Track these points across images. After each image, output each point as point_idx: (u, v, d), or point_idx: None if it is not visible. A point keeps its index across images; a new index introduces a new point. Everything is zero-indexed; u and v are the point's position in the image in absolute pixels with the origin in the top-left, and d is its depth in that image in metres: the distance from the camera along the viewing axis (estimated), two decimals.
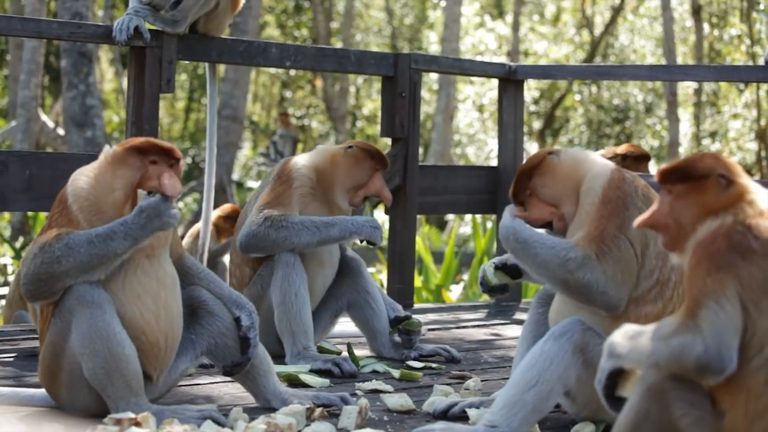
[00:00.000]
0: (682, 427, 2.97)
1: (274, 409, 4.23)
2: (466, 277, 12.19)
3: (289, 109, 34.14)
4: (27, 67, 16.47)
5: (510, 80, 8.03)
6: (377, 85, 31.49)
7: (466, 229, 19.78)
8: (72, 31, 6.23)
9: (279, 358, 5.17)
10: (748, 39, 22.00)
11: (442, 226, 22.65)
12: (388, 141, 7.65)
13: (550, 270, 3.95)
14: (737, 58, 23.06)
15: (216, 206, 8.69)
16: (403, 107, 7.39)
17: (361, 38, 34.55)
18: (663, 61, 24.23)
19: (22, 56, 17.26)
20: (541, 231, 4.13)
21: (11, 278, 13.55)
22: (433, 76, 26.29)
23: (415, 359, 5.49)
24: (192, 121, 34.36)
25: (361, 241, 5.49)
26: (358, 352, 5.49)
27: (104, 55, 31.40)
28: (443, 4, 27.50)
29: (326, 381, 4.93)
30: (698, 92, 25.16)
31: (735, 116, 23.66)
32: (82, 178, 4.09)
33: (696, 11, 23.75)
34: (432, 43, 31.61)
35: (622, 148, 7.32)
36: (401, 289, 7.37)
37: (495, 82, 8.61)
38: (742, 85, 22.99)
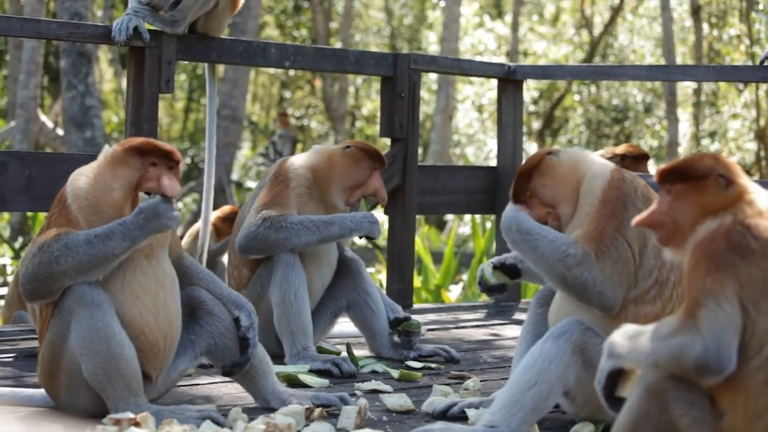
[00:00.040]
0: (681, 427, 2.97)
1: (273, 410, 4.23)
2: (465, 277, 12.19)
3: (288, 109, 34.15)
4: (26, 68, 16.47)
5: (509, 80, 8.03)
6: (376, 85, 31.49)
7: (465, 230, 19.78)
8: (71, 32, 6.23)
9: (278, 358, 5.17)
10: (747, 39, 22.01)
11: (441, 226, 22.65)
12: (388, 141, 7.65)
13: (549, 264, 3.96)
14: (736, 58, 23.07)
15: (215, 206, 8.69)
16: (402, 107, 7.39)
17: (361, 38, 34.55)
18: (662, 61, 24.23)
19: (22, 56, 17.25)
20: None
21: (10, 278, 13.54)
22: (433, 76, 26.29)
23: (414, 359, 5.49)
24: (191, 122, 34.36)
25: (360, 237, 5.49)
26: (357, 353, 5.49)
27: (103, 55, 31.40)
28: (442, 4, 27.50)
29: (325, 381, 4.93)
30: (697, 92, 25.17)
31: (734, 116, 23.67)
32: (82, 178, 4.09)
33: (695, 11, 23.76)
34: (431, 44, 31.60)
35: (621, 148, 7.33)
36: (400, 289, 7.37)
37: (494, 82, 8.62)
38: (741, 85, 23.00)
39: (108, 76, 34.24)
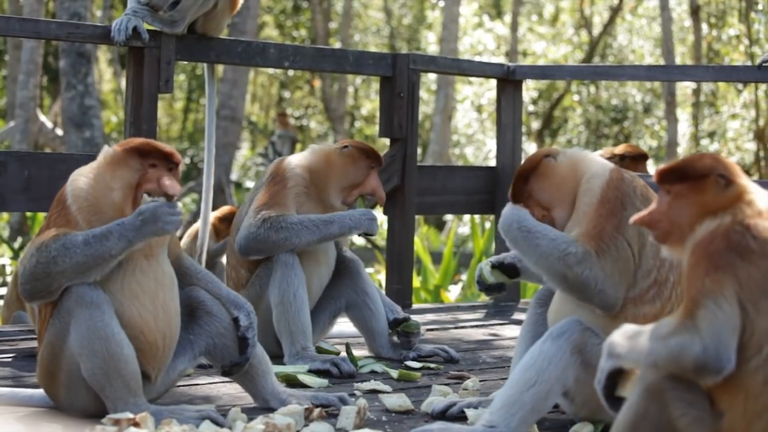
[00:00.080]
0: (680, 427, 2.97)
1: (272, 410, 4.22)
2: (464, 277, 12.19)
3: (287, 109, 34.16)
4: (25, 68, 16.47)
5: (508, 80, 8.03)
6: (376, 85, 31.48)
7: (464, 230, 19.78)
8: (70, 32, 6.23)
9: (277, 358, 5.18)
10: (746, 39, 22.01)
11: (440, 226, 22.66)
12: (387, 141, 7.65)
13: (550, 263, 3.95)
14: (736, 59, 23.07)
15: (215, 206, 8.68)
16: (401, 107, 7.39)
17: (360, 38, 34.56)
18: (661, 62, 24.24)
19: (21, 57, 17.25)
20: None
21: (10, 279, 13.54)
22: (432, 77, 26.29)
23: (413, 359, 5.49)
24: (190, 122, 34.37)
25: (359, 235, 5.50)
26: (356, 353, 5.49)
27: (103, 55, 31.41)
28: (441, 4, 27.51)
29: (325, 381, 4.93)
30: (697, 92, 25.17)
31: (733, 116, 23.67)
32: (81, 178, 4.09)
33: (694, 11, 23.76)
34: (430, 44, 31.61)
35: (620, 148, 7.33)
36: (400, 289, 7.37)
37: (493, 82, 8.63)
38: (740, 85, 23.01)
39: (107, 76, 34.25)
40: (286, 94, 36.19)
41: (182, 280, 4.30)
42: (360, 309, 5.63)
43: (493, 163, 8.46)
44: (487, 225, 12.23)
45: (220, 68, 18.66)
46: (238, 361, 4.28)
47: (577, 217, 4.05)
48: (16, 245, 15.24)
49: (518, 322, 6.81)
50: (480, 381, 4.91)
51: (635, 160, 7.21)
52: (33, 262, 3.92)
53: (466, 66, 9.52)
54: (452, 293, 11.10)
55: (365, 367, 5.29)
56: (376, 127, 10.81)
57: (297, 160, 5.56)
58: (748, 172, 16.15)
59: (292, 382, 4.86)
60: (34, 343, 5.22)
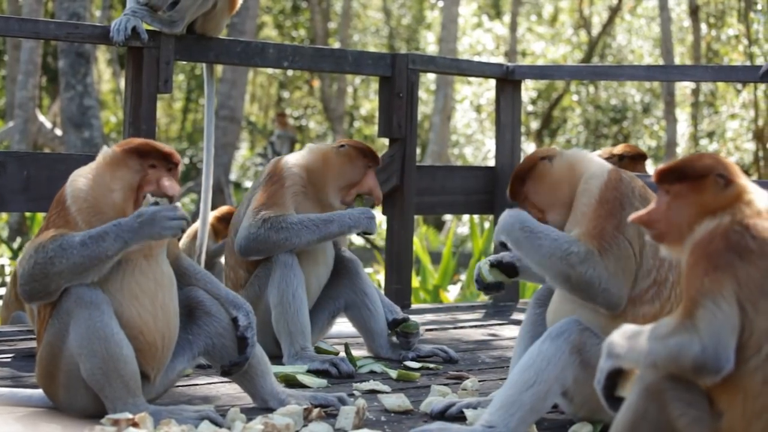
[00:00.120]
0: (679, 427, 2.97)
1: (271, 410, 4.22)
2: (463, 277, 12.18)
3: (286, 109, 34.15)
4: (24, 68, 16.47)
5: (507, 80, 8.03)
6: (375, 85, 31.48)
7: (463, 230, 19.77)
8: (69, 32, 6.23)
9: (276, 358, 5.17)
10: (745, 39, 22.02)
11: (439, 226, 22.65)
12: (386, 141, 7.65)
13: (552, 263, 3.94)
14: (735, 59, 23.08)
15: (214, 207, 8.67)
16: (400, 107, 7.39)
17: (359, 39, 34.57)
18: (660, 62, 24.25)
19: (20, 57, 17.25)
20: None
21: (9, 279, 13.53)
22: (431, 77, 26.30)
23: (412, 360, 5.49)
24: (189, 122, 34.36)
25: (358, 234, 5.51)
26: (355, 353, 5.49)
27: (102, 55, 31.40)
28: (441, 4, 27.52)
29: (324, 381, 4.93)
30: (696, 92, 25.17)
31: (732, 116, 23.68)
32: (81, 179, 4.09)
33: (693, 11, 23.76)
34: (429, 44, 31.61)
35: (618, 149, 7.33)
36: (399, 289, 7.37)
37: (492, 82, 8.62)
38: (739, 86, 23.01)
39: (106, 77, 34.24)
40: (285, 94, 36.19)
41: (181, 281, 4.30)
42: (359, 309, 5.63)
43: (492, 163, 8.46)
44: (486, 225, 12.23)
45: (219, 68, 18.66)
46: (237, 360, 4.28)
47: (575, 218, 4.05)
48: (15, 245, 15.24)
49: (517, 322, 6.81)
50: (479, 381, 4.91)
51: (634, 160, 7.21)
52: (31, 263, 3.92)
53: (465, 66, 9.52)
54: (451, 293, 11.10)
55: (364, 368, 5.29)
56: (375, 127, 10.80)
57: (294, 159, 5.56)
58: (747, 172, 16.15)
59: (291, 382, 4.86)
60: (33, 344, 5.22)
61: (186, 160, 26.78)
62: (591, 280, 3.90)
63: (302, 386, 4.84)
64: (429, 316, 7.19)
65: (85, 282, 3.94)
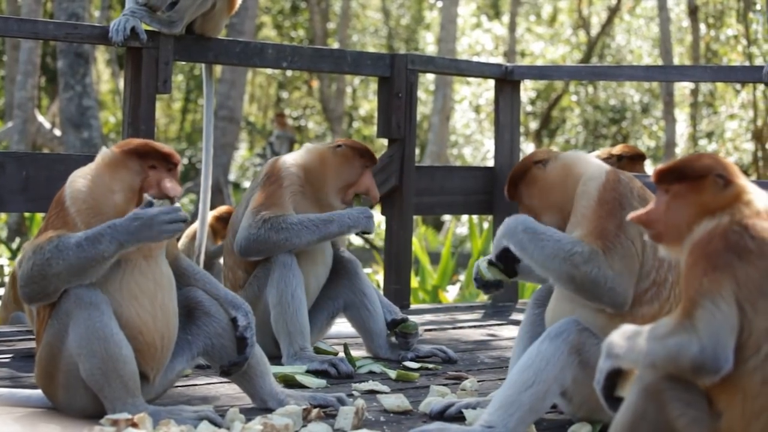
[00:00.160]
0: (678, 427, 2.97)
1: (270, 410, 4.22)
2: (462, 277, 12.18)
3: (285, 109, 34.14)
4: (23, 68, 16.47)
5: (506, 81, 8.03)
6: (374, 85, 31.49)
7: (462, 230, 19.78)
8: (68, 32, 6.23)
9: (275, 359, 5.17)
10: (744, 39, 22.03)
11: (438, 226, 22.66)
12: (385, 142, 7.65)
13: (557, 264, 3.93)
14: (734, 59, 23.09)
15: (213, 207, 8.68)
16: (399, 108, 7.39)
17: (358, 39, 34.57)
18: (659, 62, 24.25)
19: (19, 57, 17.26)
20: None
21: (7, 279, 13.53)
22: (430, 77, 26.31)
23: (411, 360, 5.49)
24: (188, 122, 34.36)
25: (356, 233, 5.52)
26: (354, 353, 5.49)
27: (101, 56, 31.40)
28: (440, 4, 27.52)
29: (323, 382, 4.93)
30: (695, 93, 25.17)
31: (731, 117, 23.68)
32: (80, 180, 4.08)
33: (692, 12, 23.76)
34: (429, 44, 31.61)
35: (617, 149, 7.34)
36: (398, 289, 7.37)
37: (491, 82, 8.64)
38: (738, 86, 23.02)
39: (105, 77, 34.24)
40: (284, 95, 36.19)
41: (180, 281, 4.30)
42: (358, 309, 5.63)
43: (491, 163, 8.48)
44: (485, 225, 12.23)
45: (218, 69, 18.67)
46: (236, 361, 4.28)
47: (576, 220, 4.05)
48: (14, 246, 15.24)
49: (516, 323, 6.81)
50: (478, 381, 4.92)
51: (633, 160, 7.21)
52: (29, 265, 3.92)
53: (464, 66, 9.52)
54: (450, 293, 11.09)
55: (363, 368, 5.29)
56: (374, 128, 10.81)
57: (292, 159, 5.56)
58: (746, 173, 16.16)
59: (290, 382, 4.86)
60: (32, 344, 5.22)
61: (185, 161, 26.77)
62: (596, 279, 3.89)
63: (301, 386, 4.83)
64: (428, 317, 7.19)
65: (84, 283, 3.94)
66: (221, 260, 8.39)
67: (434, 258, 12.87)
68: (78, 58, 13.70)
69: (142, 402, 4.01)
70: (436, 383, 4.94)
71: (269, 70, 33.14)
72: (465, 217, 17.57)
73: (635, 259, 3.94)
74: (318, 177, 5.51)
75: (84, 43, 12.65)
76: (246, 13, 17.32)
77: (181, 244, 8.67)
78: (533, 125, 29.72)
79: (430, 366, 5.40)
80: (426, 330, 6.53)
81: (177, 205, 4.04)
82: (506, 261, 4.27)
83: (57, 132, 17.51)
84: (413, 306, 7.86)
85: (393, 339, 5.63)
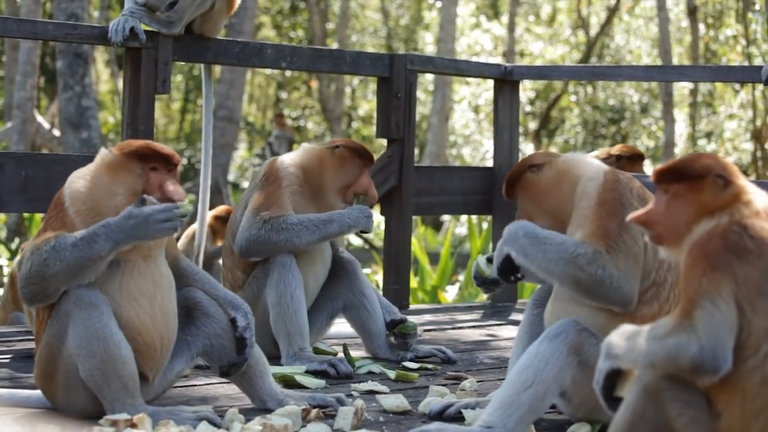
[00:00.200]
0: (677, 428, 2.97)
1: (269, 410, 4.22)
2: (461, 277, 12.19)
3: (284, 110, 34.13)
4: (23, 69, 16.46)
5: (506, 81, 8.03)
6: (373, 86, 31.48)
7: (461, 230, 19.78)
8: (67, 32, 6.23)
9: (275, 359, 5.17)
10: (743, 39, 22.03)
11: (437, 227, 22.65)
12: (384, 142, 7.65)
13: (561, 267, 3.93)
14: (733, 59, 23.09)
15: (212, 207, 8.68)
16: (398, 108, 7.39)
17: (357, 39, 34.55)
18: (658, 62, 24.24)
19: (18, 57, 17.25)
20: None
21: (6, 280, 13.52)
22: (429, 77, 26.30)
23: (410, 360, 5.49)
24: (188, 122, 34.34)
25: (357, 234, 5.53)
26: (353, 353, 5.49)
27: (100, 56, 31.38)
28: (439, 4, 27.52)
29: (322, 382, 4.93)
30: (694, 93, 25.17)
31: (731, 117, 23.68)
32: (80, 181, 4.08)
33: (691, 12, 23.76)
34: (428, 44, 31.59)
35: (616, 149, 7.34)
36: (397, 289, 7.37)
37: (491, 82, 8.64)
38: (737, 86, 23.01)
39: (104, 77, 34.23)
40: (284, 95, 36.17)
41: (179, 281, 4.30)
42: (357, 310, 5.63)
43: (490, 163, 8.47)
44: (485, 225, 12.23)
45: (217, 69, 18.66)
46: (235, 361, 4.28)
47: (576, 222, 4.05)
48: (13, 246, 15.24)
49: (515, 323, 6.81)
50: (477, 381, 4.92)
51: (632, 160, 7.21)
52: (28, 266, 3.92)
53: (464, 66, 9.52)
54: (449, 294, 11.10)
55: (362, 368, 5.29)
56: (374, 128, 10.82)
57: (290, 159, 5.56)
58: (745, 173, 16.16)
59: (289, 382, 4.86)
60: (32, 344, 5.22)
61: (184, 161, 26.74)
62: (602, 279, 3.88)
63: (300, 387, 4.83)
64: (427, 317, 7.19)
65: (82, 283, 3.94)
66: (220, 261, 8.40)
67: (433, 258, 12.88)
68: (77, 58, 13.69)
69: (142, 402, 4.01)
70: (436, 383, 4.94)
71: (268, 71, 33.12)
72: (464, 218, 17.58)
73: (639, 256, 3.94)
74: (316, 177, 5.51)
75: (83, 44, 12.64)
76: (245, 14, 17.31)
77: (180, 244, 8.68)
78: (532, 125, 29.71)
79: (430, 366, 5.40)
80: (425, 330, 6.54)
81: (174, 203, 4.02)
82: (507, 272, 4.24)
83: (56, 132, 17.51)
84: (412, 306, 7.87)
85: (392, 339, 5.64)
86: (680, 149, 24.52)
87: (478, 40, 29.96)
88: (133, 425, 3.71)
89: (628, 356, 3.07)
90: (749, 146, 22.56)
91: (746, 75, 8.27)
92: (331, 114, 30.91)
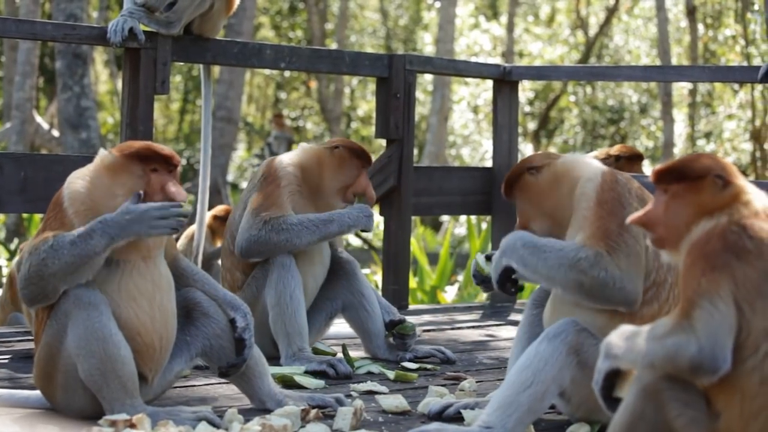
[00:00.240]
0: (677, 428, 2.97)
1: (269, 411, 4.23)
2: (461, 278, 12.19)
3: (283, 110, 34.12)
4: (22, 69, 16.46)
5: (505, 81, 8.03)
6: (372, 86, 31.48)
7: (460, 230, 19.78)
8: (66, 33, 6.22)
9: (274, 359, 5.17)
10: (742, 39, 22.03)
11: (436, 227, 22.65)
12: (383, 142, 7.64)
13: (563, 273, 3.92)
14: (732, 59, 23.08)
15: (210, 208, 8.68)
16: (397, 108, 7.39)
17: (356, 39, 34.54)
18: (657, 62, 24.24)
19: (17, 58, 17.25)
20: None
21: (5, 280, 13.51)
22: (428, 77, 26.29)
23: (410, 360, 5.49)
24: (187, 123, 34.33)
25: (356, 234, 5.53)
26: (352, 354, 5.49)
27: (99, 56, 31.37)
28: (438, 5, 27.52)
29: (321, 382, 4.93)
30: (693, 93, 25.17)
31: (730, 117, 23.67)
32: (79, 181, 4.08)
33: (690, 12, 23.76)
34: (427, 44, 31.59)
35: (615, 149, 7.33)
36: (396, 290, 7.37)
37: (490, 83, 8.63)
38: (736, 86, 23.00)
39: (103, 78, 34.22)
40: (283, 95, 36.16)
41: (179, 282, 4.30)
42: (356, 310, 5.63)
43: (489, 163, 8.47)
44: (484, 226, 12.23)
45: (216, 69, 18.65)
46: (234, 362, 4.28)
47: (577, 223, 4.04)
48: (12, 246, 15.24)
49: (514, 323, 6.80)
50: (476, 382, 4.92)
51: (630, 160, 7.20)
52: (27, 266, 3.92)
53: (463, 67, 9.53)
54: (449, 294, 11.10)
55: (362, 368, 5.29)
56: (373, 128, 10.81)
57: (288, 158, 5.56)
58: (744, 173, 16.15)
59: (288, 383, 4.86)
60: (31, 345, 5.22)
61: (183, 161, 26.67)
62: (605, 281, 3.88)
63: (300, 387, 4.83)
64: (426, 317, 7.19)
65: (80, 282, 3.94)
66: (219, 262, 8.40)
67: (432, 258, 12.88)
68: (76, 58, 13.69)
69: (141, 403, 4.01)
70: (435, 384, 4.94)
71: (267, 71, 33.10)
72: (463, 218, 17.58)
73: (641, 255, 3.93)
74: (315, 177, 5.51)
75: (82, 44, 12.64)
76: (244, 14, 17.31)
77: (179, 244, 8.68)
78: (531, 126, 29.70)
79: (429, 366, 5.40)
80: (424, 330, 6.54)
81: (171, 202, 4.02)
82: (506, 284, 4.22)
83: (55, 133, 17.50)
84: (412, 306, 7.86)
85: (391, 340, 5.64)
86: (679, 149, 24.52)
87: (477, 40, 29.96)
88: (132, 425, 3.71)
89: (627, 356, 3.07)
90: (748, 146, 22.55)
91: (745, 75, 8.26)
92: (330, 114, 30.91)
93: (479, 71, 9.30)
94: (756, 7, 21.21)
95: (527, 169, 4.24)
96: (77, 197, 4.03)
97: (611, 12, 29.71)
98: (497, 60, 27.61)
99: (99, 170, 4.08)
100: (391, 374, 5.13)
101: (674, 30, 27.55)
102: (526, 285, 8.93)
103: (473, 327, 6.86)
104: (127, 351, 3.97)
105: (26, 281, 3.93)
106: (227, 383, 4.65)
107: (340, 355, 5.49)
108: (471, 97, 29.39)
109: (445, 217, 21.59)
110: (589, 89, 29.38)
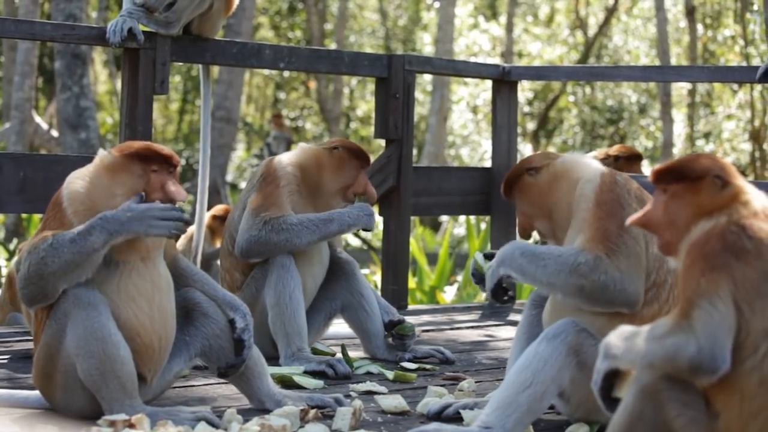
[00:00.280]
0: (676, 428, 2.97)
1: (268, 411, 4.23)
2: (460, 278, 12.19)
3: (283, 110, 34.11)
4: (21, 69, 16.46)
5: (504, 81, 8.03)
6: (371, 86, 31.47)
7: (460, 231, 19.78)
8: (65, 33, 6.22)
9: (273, 359, 5.17)
10: (741, 40, 22.02)
11: (436, 227, 22.65)
12: (382, 142, 7.64)
13: (563, 279, 3.92)
14: (731, 59, 23.08)
15: (210, 208, 8.67)
16: (396, 108, 7.39)
17: (355, 39, 34.53)
18: (657, 62, 24.24)
19: (16, 58, 17.24)
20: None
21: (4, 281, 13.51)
22: (427, 78, 26.29)
23: (409, 360, 5.49)
24: (186, 123, 34.32)
25: (356, 234, 5.53)
26: (352, 354, 5.49)
27: (98, 56, 31.36)
28: (437, 5, 27.52)
29: (320, 382, 4.93)
30: (692, 93, 25.17)
31: (729, 117, 23.67)
32: (78, 181, 4.08)
33: (690, 12, 23.76)
34: (426, 45, 31.59)
35: (614, 149, 7.34)
36: (395, 290, 7.37)
37: (489, 83, 8.62)
38: (735, 86, 22.99)
39: (103, 78, 34.21)
40: (282, 96, 36.16)
41: (178, 282, 4.30)
42: (355, 310, 5.63)
43: (488, 164, 8.47)
44: (483, 226, 12.23)
45: (215, 69, 18.63)
46: (234, 362, 4.28)
47: (576, 225, 4.04)
48: (12, 246, 15.24)
49: (514, 324, 6.81)
50: (476, 382, 4.92)
51: (630, 160, 7.21)
52: (26, 266, 3.92)
53: (462, 67, 9.53)
54: (448, 294, 11.10)
55: (361, 369, 5.29)
56: (372, 128, 10.81)
57: (287, 158, 5.56)
58: (743, 173, 16.15)
59: (287, 383, 4.86)
60: (30, 345, 5.22)
61: (182, 162, 26.74)
62: (605, 284, 3.88)
63: (299, 387, 4.84)
64: (425, 317, 7.19)
65: (79, 281, 3.94)
66: (218, 262, 8.40)
67: (432, 259, 12.88)
68: (75, 59, 13.68)
69: (140, 403, 4.01)
70: (434, 384, 4.94)
71: (266, 71, 33.11)
72: (462, 218, 17.59)
73: (641, 256, 3.93)
74: (314, 177, 5.52)
75: (81, 44, 12.64)
76: (243, 14, 17.31)
77: (179, 245, 8.67)
78: (530, 126, 29.70)
79: (428, 367, 5.40)
80: (423, 331, 6.54)
81: (174, 205, 4.02)
82: (499, 293, 4.21)
83: (54, 133, 17.50)
84: (411, 307, 7.86)
85: (390, 340, 5.64)
86: (678, 149, 24.52)
87: (476, 40, 29.96)
88: (132, 425, 3.71)
89: (626, 357, 3.07)
90: (747, 146, 22.55)
91: (744, 75, 8.26)
92: (329, 114, 30.91)
93: (478, 71, 9.30)
94: (755, 7, 21.20)
95: (526, 170, 4.24)
96: (76, 197, 4.03)
97: (610, 12, 29.71)
98: (496, 60, 27.61)
99: (98, 170, 4.08)
100: (390, 374, 5.13)
101: (673, 30, 27.56)
102: (525, 286, 8.94)
103: (472, 327, 6.86)
104: (127, 351, 3.97)
105: (26, 281, 3.93)
106: (226, 383, 4.65)
107: (339, 355, 5.49)
108: (470, 98, 29.39)
109: (444, 218, 21.58)
110: (588, 89, 29.38)
